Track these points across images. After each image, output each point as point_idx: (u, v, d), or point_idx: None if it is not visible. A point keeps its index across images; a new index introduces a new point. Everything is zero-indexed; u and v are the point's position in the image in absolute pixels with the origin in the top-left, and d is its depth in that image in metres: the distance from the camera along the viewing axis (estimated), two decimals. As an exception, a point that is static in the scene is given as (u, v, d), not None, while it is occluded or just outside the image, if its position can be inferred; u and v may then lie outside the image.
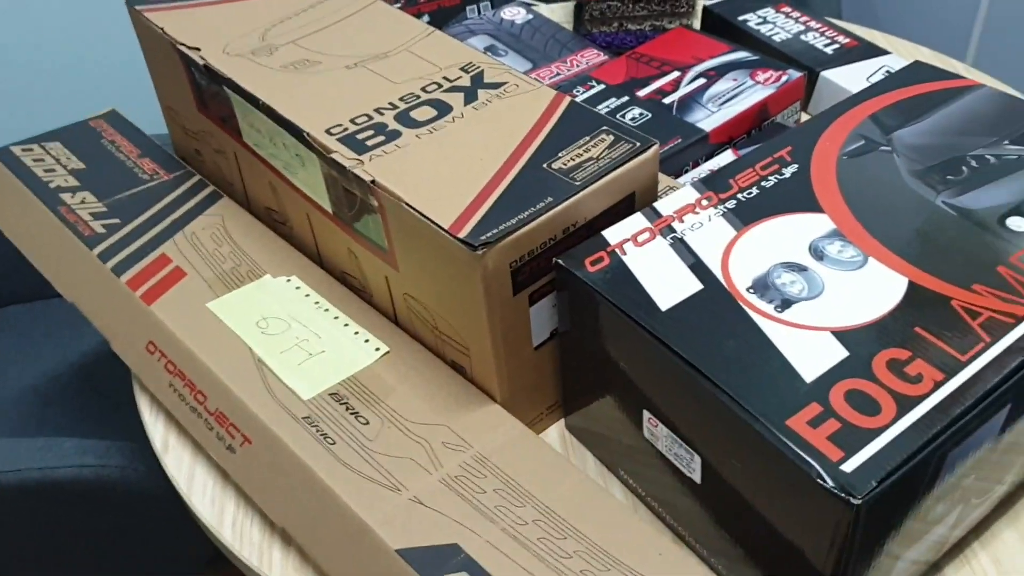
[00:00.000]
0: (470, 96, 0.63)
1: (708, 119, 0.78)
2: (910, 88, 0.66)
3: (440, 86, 0.64)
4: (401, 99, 0.63)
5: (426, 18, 0.94)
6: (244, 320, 0.66)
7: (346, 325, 0.65)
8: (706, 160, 0.79)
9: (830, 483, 0.42)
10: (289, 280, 0.69)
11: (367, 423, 0.58)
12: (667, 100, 0.81)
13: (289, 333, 0.64)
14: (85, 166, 0.81)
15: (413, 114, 0.62)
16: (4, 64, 1.50)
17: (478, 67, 0.66)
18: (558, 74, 0.86)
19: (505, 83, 0.64)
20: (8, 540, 0.87)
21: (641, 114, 0.79)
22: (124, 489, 0.84)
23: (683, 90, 0.82)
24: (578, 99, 0.82)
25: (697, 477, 0.51)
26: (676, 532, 0.57)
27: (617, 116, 0.79)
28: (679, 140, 0.76)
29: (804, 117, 0.90)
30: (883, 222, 0.55)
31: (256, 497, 0.61)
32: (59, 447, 0.84)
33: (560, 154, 0.57)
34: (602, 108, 0.80)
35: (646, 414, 0.54)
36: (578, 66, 0.87)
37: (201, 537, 0.60)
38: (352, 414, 0.59)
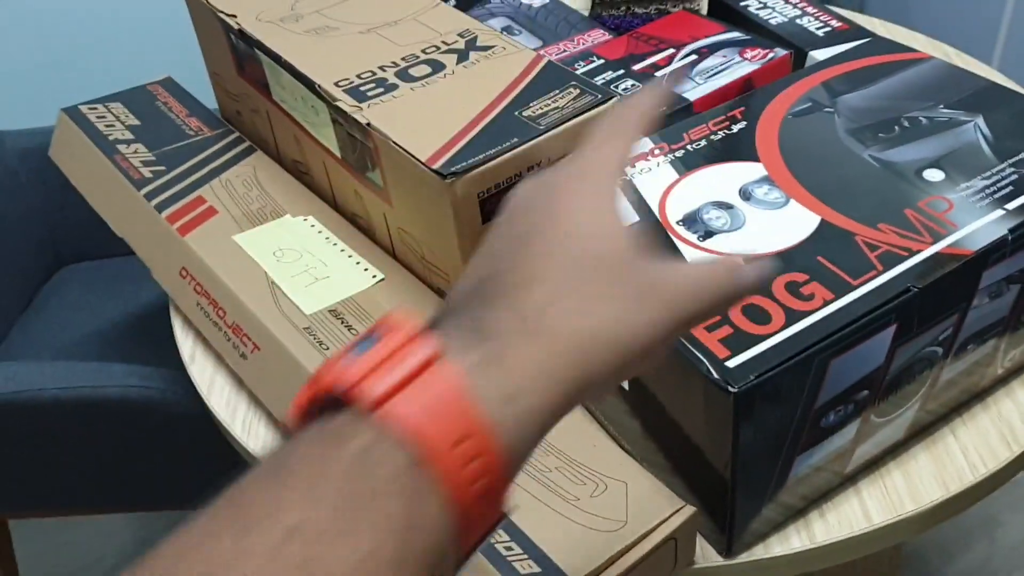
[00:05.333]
0: (462, 57, 0.72)
1: (694, 90, 0.85)
2: (866, 59, 0.73)
3: (438, 48, 0.73)
4: (403, 58, 0.72)
5: (452, 1, 1.03)
6: (263, 250, 0.75)
7: (350, 256, 0.74)
8: (692, 129, 0.86)
9: (715, 375, 0.49)
10: (306, 219, 0.78)
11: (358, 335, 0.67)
12: (659, 73, 0.88)
13: (300, 261, 0.74)
14: (140, 123, 0.92)
15: (411, 71, 0.71)
16: (79, 33, 1.67)
17: (473, 33, 0.74)
18: (564, 51, 0.94)
19: (494, 46, 0.72)
20: (65, 452, 0.99)
21: (633, 85, 0.87)
22: (165, 409, 0.94)
23: (675, 65, 0.89)
24: (578, 72, 0.90)
25: (624, 383, 0.59)
26: (624, 449, 0.65)
27: (611, 87, 0.87)
28: (664, 108, 0.84)
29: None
30: (811, 171, 0.62)
31: (262, 397, 0.70)
32: (108, 369, 0.95)
33: (531, 104, 0.66)
34: (598, 80, 0.88)
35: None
36: (584, 44, 0.95)
37: (236, 459, 0.69)
38: (346, 327, 0.68)
